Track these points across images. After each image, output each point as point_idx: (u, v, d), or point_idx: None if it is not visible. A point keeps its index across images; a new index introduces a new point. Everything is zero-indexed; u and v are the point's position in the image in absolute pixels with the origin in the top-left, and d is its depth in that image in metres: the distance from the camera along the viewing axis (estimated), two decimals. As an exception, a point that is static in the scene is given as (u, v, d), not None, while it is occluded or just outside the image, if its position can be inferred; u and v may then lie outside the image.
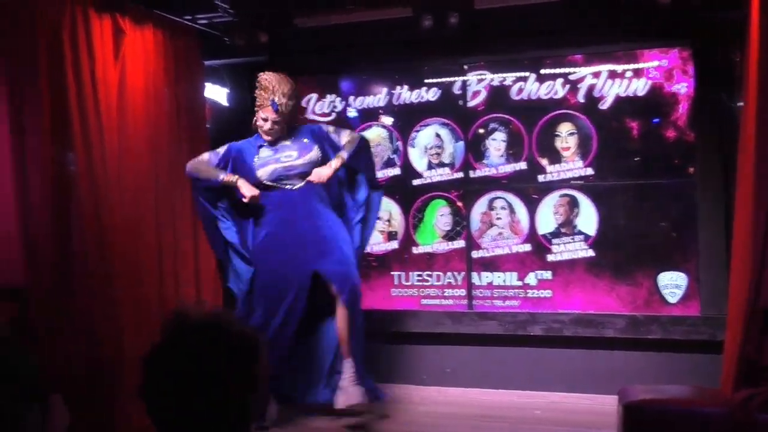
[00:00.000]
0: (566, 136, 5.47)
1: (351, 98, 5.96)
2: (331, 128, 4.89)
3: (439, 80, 5.75)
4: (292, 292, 4.57)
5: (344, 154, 4.70)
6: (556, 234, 5.47)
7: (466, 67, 5.69)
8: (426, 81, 5.77)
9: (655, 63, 5.28)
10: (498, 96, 5.60)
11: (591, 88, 5.39)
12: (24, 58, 4.04)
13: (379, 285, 5.81)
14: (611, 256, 5.37)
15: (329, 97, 6.00)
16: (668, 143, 5.27)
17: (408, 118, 5.84)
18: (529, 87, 5.53)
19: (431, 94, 5.76)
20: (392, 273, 5.86)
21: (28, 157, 4.04)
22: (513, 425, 4.77)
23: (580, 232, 5.42)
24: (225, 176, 4.65)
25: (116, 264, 4.47)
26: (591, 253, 5.39)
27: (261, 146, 4.73)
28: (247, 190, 4.57)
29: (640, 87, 5.30)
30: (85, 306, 4.24)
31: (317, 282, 4.61)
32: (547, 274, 5.48)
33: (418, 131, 5.81)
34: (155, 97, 4.95)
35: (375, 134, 5.89)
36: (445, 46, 5.47)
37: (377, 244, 5.82)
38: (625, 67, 5.32)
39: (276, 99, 4.63)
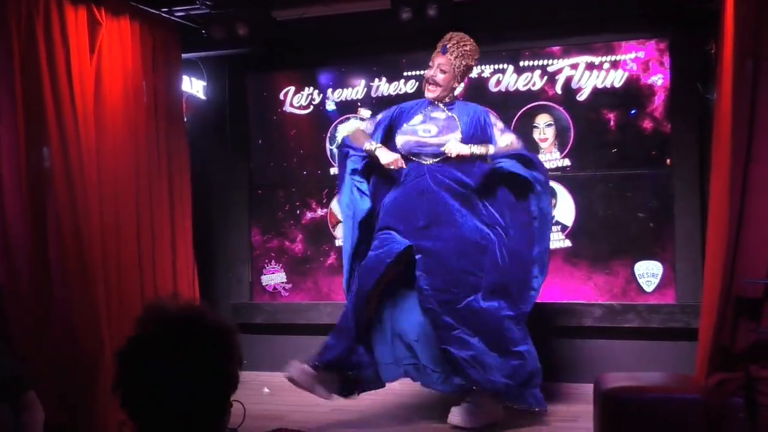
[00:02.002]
0: (544, 128, 5.51)
1: (329, 91, 5.96)
2: (499, 124, 4.56)
3: (418, 72, 5.75)
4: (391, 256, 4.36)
5: (492, 149, 4.39)
6: (534, 225, 5.50)
7: (444, 59, 5.69)
8: (404, 73, 5.79)
9: (632, 55, 5.32)
10: (476, 88, 5.62)
11: (569, 79, 5.43)
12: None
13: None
14: (588, 246, 5.42)
15: (307, 90, 6.00)
16: (645, 134, 5.32)
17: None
18: (507, 79, 5.56)
19: (409, 87, 5.77)
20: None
21: (2, 153, 4.00)
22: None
23: (558, 223, 5.46)
24: (368, 144, 4.46)
25: (94, 259, 4.44)
26: (568, 243, 5.44)
27: (419, 111, 4.50)
28: (385, 158, 4.35)
29: (617, 79, 5.34)
30: (63, 301, 4.21)
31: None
32: (525, 265, 5.51)
33: (396, 123, 5.81)
34: (132, 89, 4.91)
35: (353, 127, 5.89)
36: (423, 39, 5.46)
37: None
38: (603, 58, 5.37)
39: (448, 45, 4.41)
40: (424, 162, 4.41)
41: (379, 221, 4.53)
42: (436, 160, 4.40)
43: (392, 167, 4.42)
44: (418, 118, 4.50)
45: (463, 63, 4.44)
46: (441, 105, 4.51)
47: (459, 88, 4.59)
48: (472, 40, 4.49)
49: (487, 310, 4.34)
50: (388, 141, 4.55)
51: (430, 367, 4.50)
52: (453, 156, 4.32)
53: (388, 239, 4.43)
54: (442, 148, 4.34)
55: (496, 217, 4.45)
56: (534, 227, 4.44)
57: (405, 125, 4.50)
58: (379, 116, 4.68)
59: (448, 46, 4.43)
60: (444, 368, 4.44)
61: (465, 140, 4.39)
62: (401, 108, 4.64)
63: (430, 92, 4.48)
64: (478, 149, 4.37)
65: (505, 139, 4.47)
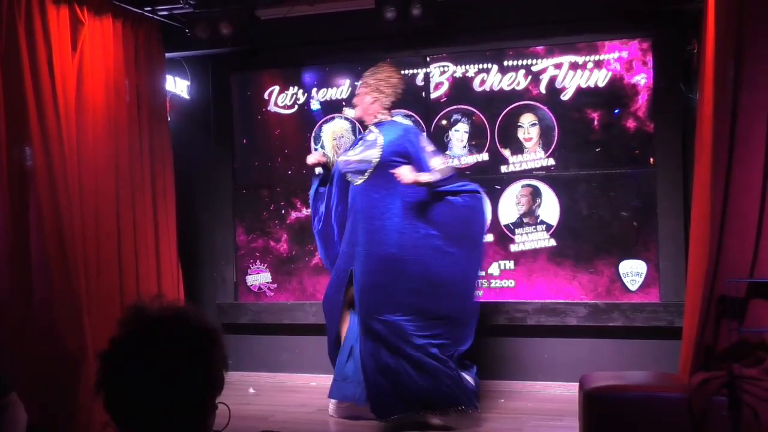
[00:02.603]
0: (528, 127, 5.52)
1: (314, 90, 5.94)
2: (429, 147, 4.67)
3: (402, 72, 5.73)
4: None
5: (436, 176, 4.47)
6: (519, 224, 5.52)
7: (428, 58, 5.70)
8: (389, 73, 5.77)
9: (615, 54, 5.34)
10: (460, 87, 5.63)
11: (553, 79, 5.44)
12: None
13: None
14: (573, 246, 5.43)
15: (291, 89, 5.98)
16: (628, 134, 5.34)
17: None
18: (491, 78, 5.56)
19: (394, 86, 5.75)
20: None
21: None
22: (477, 414, 4.80)
23: (543, 222, 5.48)
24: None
25: (76, 259, 4.40)
26: (553, 242, 5.45)
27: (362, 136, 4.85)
28: (310, 158, 4.89)
29: (600, 78, 5.35)
30: (45, 301, 4.18)
31: None
32: (510, 264, 5.53)
33: (381, 123, 5.81)
34: (115, 89, 4.89)
35: (338, 126, 5.89)
36: (407, 38, 5.49)
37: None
38: (586, 58, 5.38)
39: (364, 74, 4.78)
40: (353, 182, 4.70)
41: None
42: (363, 179, 4.63)
43: (314, 165, 4.88)
44: (359, 142, 4.83)
45: (373, 85, 4.69)
46: (372, 126, 4.74)
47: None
48: (387, 67, 4.81)
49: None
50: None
51: None
52: (404, 182, 4.43)
53: (338, 266, 4.78)
54: (393, 171, 4.44)
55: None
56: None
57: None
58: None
59: (363, 75, 4.81)
60: None
61: (384, 156, 4.58)
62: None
63: (355, 112, 4.85)
64: (425, 177, 4.44)
65: (436, 161, 4.60)
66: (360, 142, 4.80)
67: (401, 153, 4.59)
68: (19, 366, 3.89)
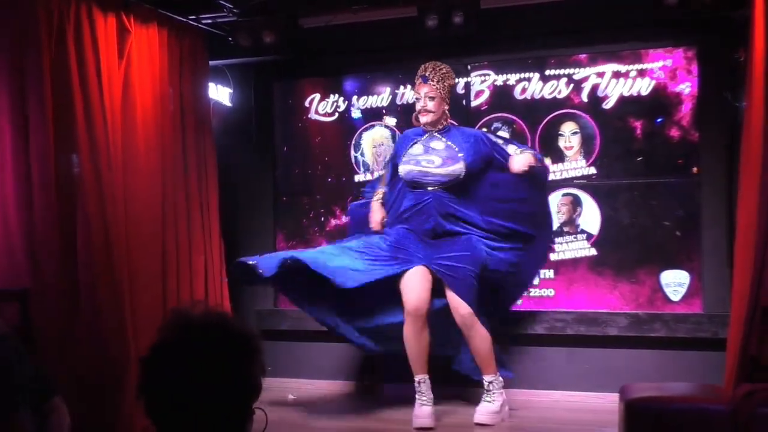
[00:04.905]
0: (569, 136, 5.48)
1: (354, 98, 5.97)
2: (499, 140, 4.85)
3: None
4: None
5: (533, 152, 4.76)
6: (559, 233, 5.47)
7: (469, 66, 5.70)
8: (430, 81, 5.77)
9: (660, 63, 5.28)
10: (501, 96, 5.61)
11: (595, 87, 5.39)
12: (28, 57, 4.05)
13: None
14: (614, 255, 5.37)
15: (332, 97, 6.02)
16: (672, 143, 5.27)
17: (411, 118, 5.83)
18: (532, 87, 5.54)
19: (435, 94, 5.75)
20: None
21: (32, 159, 4.05)
22: (516, 424, 4.77)
23: (583, 231, 5.43)
24: (375, 195, 4.89)
25: (121, 264, 4.47)
26: (594, 251, 5.40)
27: (415, 142, 4.75)
28: (373, 217, 4.82)
29: (644, 87, 5.30)
30: (90, 307, 4.24)
31: None
32: (550, 273, 5.48)
33: (421, 131, 5.82)
34: (160, 96, 4.96)
35: (378, 134, 5.91)
36: (449, 46, 5.48)
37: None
38: (629, 67, 5.33)
39: (427, 74, 4.66)
40: (428, 188, 4.63)
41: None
42: (439, 187, 4.62)
43: (371, 225, 4.81)
44: (418, 148, 4.71)
45: (446, 84, 4.68)
46: (437, 134, 4.71)
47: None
48: (444, 65, 4.73)
49: None
50: (395, 174, 4.85)
51: None
52: (528, 170, 4.54)
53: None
54: (514, 168, 4.55)
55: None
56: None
57: (407, 153, 4.72)
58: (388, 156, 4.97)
59: (427, 74, 4.67)
60: None
61: (468, 167, 4.60)
62: (399, 139, 4.94)
63: (424, 117, 4.68)
64: (530, 160, 4.60)
65: (512, 147, 4.74)
66: (422, 147, 4.70)
67: (482, 159, 4.66)
68: (63, 370, 3.96)
